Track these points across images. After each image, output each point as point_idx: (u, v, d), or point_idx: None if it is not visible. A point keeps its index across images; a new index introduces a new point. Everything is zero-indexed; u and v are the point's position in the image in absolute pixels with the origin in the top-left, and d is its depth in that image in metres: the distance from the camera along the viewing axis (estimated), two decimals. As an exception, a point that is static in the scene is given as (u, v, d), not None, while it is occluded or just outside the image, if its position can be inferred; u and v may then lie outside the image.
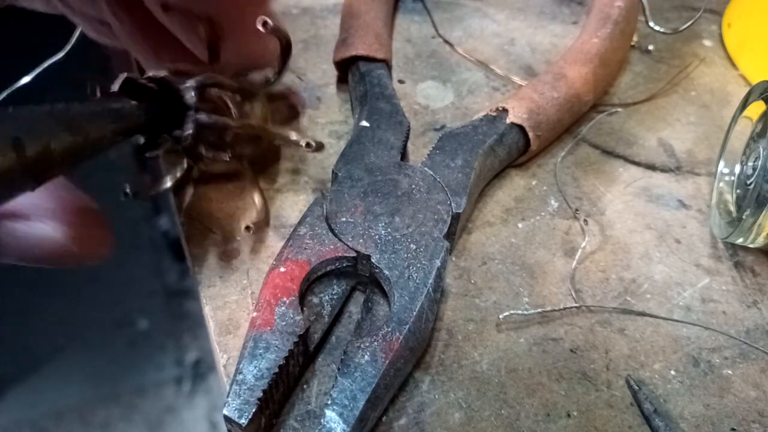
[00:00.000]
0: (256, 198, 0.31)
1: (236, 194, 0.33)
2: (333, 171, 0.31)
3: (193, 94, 0.27)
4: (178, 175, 0.30)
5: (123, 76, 0.25)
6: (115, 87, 0.25)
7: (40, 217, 0.23)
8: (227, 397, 0.23)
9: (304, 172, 0.35)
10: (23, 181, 0.20)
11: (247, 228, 0.29)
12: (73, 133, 0.21)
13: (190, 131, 0.27)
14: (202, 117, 0.27)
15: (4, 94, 0.35)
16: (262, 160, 0.34)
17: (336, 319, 0.28)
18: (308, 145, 0.31)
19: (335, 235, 0.28)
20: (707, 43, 0.47)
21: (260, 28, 0.27)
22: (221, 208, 0.33)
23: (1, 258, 0.23)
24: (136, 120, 0.25)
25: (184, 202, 0.33)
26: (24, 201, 0.22)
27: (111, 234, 0.26)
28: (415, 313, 0.26)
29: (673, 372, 0.29)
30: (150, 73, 0.27)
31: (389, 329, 0.25)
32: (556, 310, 0.30)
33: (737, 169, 0.35)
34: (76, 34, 0.29)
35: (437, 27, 0.45)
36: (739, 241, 0.32)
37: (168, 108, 0.27)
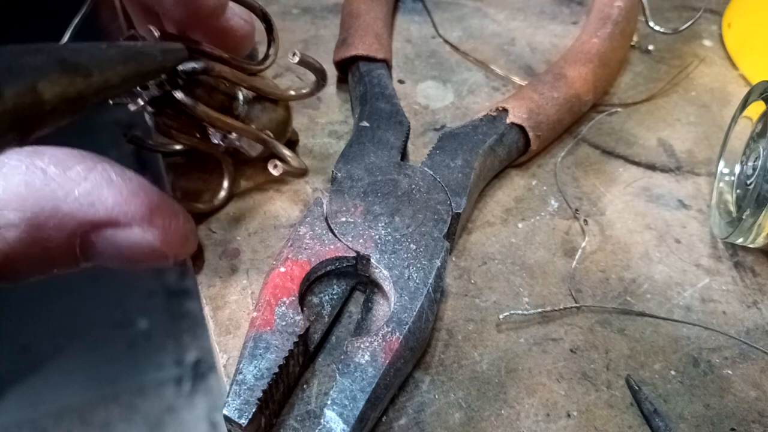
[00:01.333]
0: (224, 186, 0.32)
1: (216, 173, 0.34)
2: (333, 171, 0.31)
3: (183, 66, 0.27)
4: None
5: (127, 34, 0.25)
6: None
7: (132, 224, 0.24)
8: (227, 397, 0.23)
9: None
10: (2, 135, 0.16)
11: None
12: (69, 74, 0.18)
13: (154, 93, 0.27)
14: (176, 92, 0.27)
15: None
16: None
17: (336, 319, 0.28)
18: (297, 167, 0.32)
19: (335, 235, 0.28)
20: (707, 43, 0.47)
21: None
22: (199, 181, 0.34)
23: (101, 263, 0.25)
24: (152, 62, 0.23)
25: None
26: (116, 209, 0.23)
27: (193, 229, 0.27)
28: (415, 313, 0.26)
29: (673, 372, 0.29)
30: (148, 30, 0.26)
31: (389, 329, 0.25)
32: (556, 310, 0.30)
33: (737, 169, 0.35)
34: (68, 33, 0.29)
35: (437, 27, 0.45)
36: (739, 241, 0.32)
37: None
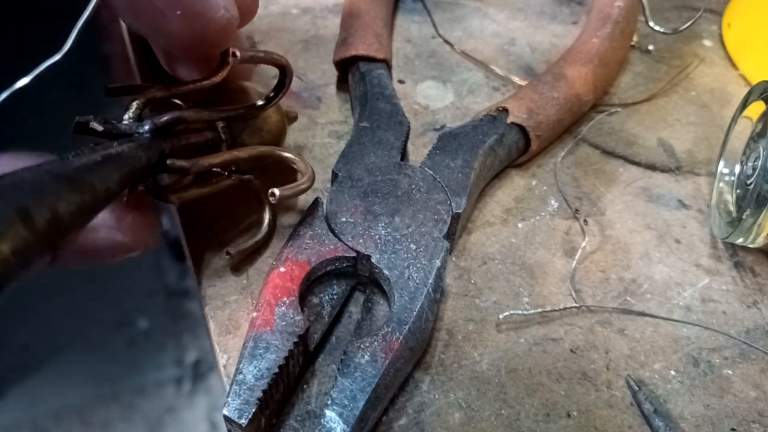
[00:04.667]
0: (265, 216, 0.31)
1: (240, 198, 0.32)
2: (333, 171, 0.31)
3: (148, 134, 0.25)
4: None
5: (75, 120, 0.24)
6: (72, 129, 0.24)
7: (96, 225, 0.24)
8: (227, 397, 0.23)
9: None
10: (38, 254, 0.17)
11: (228, 254, 0.29)
12: (79, 191, 0.19)
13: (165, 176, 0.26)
14: (170, 162, 0.26)
15: (3, 96, 0.35)
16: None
17: (336, 319, 0.28)
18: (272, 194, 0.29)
19: (335, 235, 0.28)
20: (707, 43, 0.47)
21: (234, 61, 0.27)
22: (222, 207, 0.32)
23: (68, 265, 0.24)
24: (138, 162, 0.23)
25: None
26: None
27: (157, 216, 0.27)
28: (415, 313, 0.26)
29: (673, 372, 0.29)
30: (78, 119, 0.25)
31: (389, 329, 0.25)
32: (556, 310, 0.30)
33: (737, 169, 0.35)
34: (74, 34, 0.29)
35: (437, 27, 0.45)
36: (739, 241, 0.32)
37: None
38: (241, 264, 0.30)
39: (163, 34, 0.26)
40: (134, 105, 0.26)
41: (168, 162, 0.25)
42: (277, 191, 0.27)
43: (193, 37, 0.26)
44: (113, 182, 0.21)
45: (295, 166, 0.30)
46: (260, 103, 0.30)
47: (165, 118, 0.26)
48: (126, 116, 0.26)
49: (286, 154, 0.31)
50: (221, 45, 0.27)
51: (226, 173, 0.30)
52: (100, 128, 0.24)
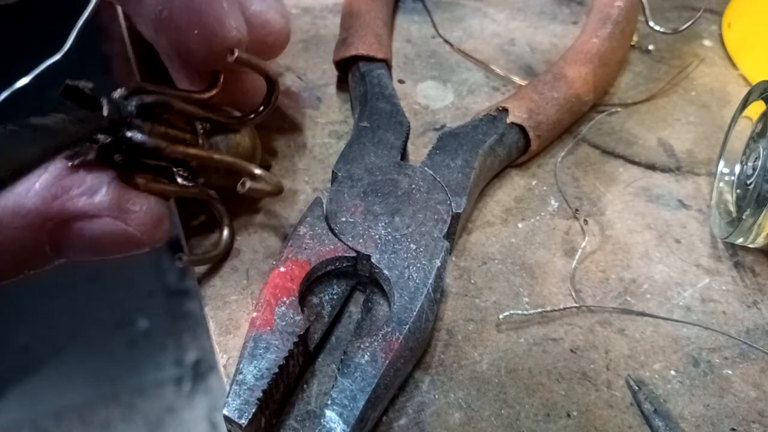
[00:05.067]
0: (224, 230, 0.30)
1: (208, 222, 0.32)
2: (333, 171, 0.31)
3: (108, 106, 0.25)
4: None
5: (66, 83, 0.24)
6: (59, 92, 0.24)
7: (102, 214, 0.23)
8: (227, 397, 0.23)
9: (304, 172, 0.35)
10: None
11: (179, 258, 0.28)
12: None
13: (103, 140, 0.24)
14: (135, 134, 0.25)
15: (3, 96, 0.35)
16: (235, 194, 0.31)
17: (336, 319, 0.28)
18: (268, 188, 0.30)
19: (335, 235, 0.28)
20: (707, 43, 0.47)
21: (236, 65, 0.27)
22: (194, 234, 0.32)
23: (75, 257, 0.24)
24: (68, 135, 0.23)
25: None
26: (83, 200, 0.22)
27: (166, 212, 0.27)
28: (415, 313, 0.26)
29: (673, 372, 0.29)
30: (69, 81, 0.24)
31: (389, 329, 0.25)
32: (556, 310, 0.30)
33: (737, 169, 0.35)
34: (74, 34, 0.29)
35: (437, 27, 0.45)
36: (739, 241, 0.32)
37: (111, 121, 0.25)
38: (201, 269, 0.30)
39: (181, 49, 0.28)
40: (128, 86, 0.27)
41: (146, 134, 0.25)
42: (248, 181, 0.28)
43: (207, 52, 0.28)
44: (35, 153, 0.21)
45: (261, 182, 0.30)
46: (250, 115, 0.31)
47: (153, 98, 0.26)
48: (117, 92, 0.26)
49: (257, 170, 0.30)
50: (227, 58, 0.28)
51: (193, 182, 0.29)
52: (90, 86, 0.24)
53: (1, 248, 0.22)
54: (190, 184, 0.28)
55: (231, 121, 0.31)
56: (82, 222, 0.23)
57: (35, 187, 0.22)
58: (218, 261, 0.31)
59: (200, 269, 0.30)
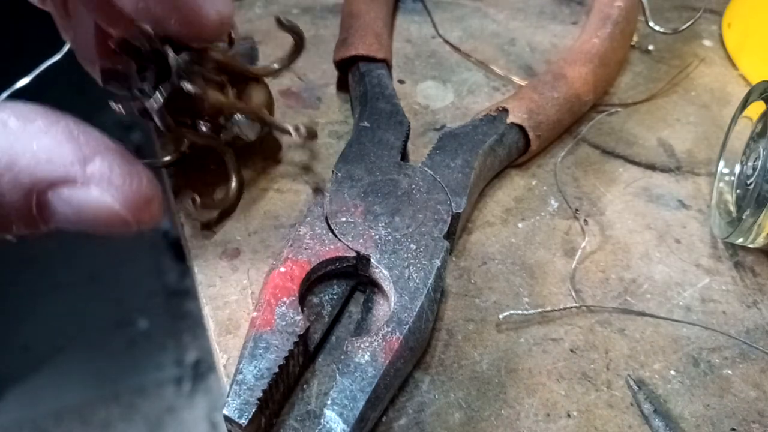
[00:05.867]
0: (233, 181, 0.32)
1: (219, 174, 0.34)
2: (333, 171, 0.31)
3: (177, 58, 0.27)
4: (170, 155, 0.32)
5: (120, 37, 0.25)
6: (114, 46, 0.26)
7: (90, 182, 0.23)
8: (227, 397, 0.23)
9: (304, 172, 0.35)
10: None
11: (192, 201, 0.30)
12: None
13: (161, 93, 0.27)
14: (188, 85, 0.28)
15: (4, 96, 0.35)
16: (261, 150, 0.35)
17: (336, 319, 0.28)
18: (297, 129, 0.31)
19: (335, 235, 0.28)
20: (707, 43, 0.47)
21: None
22: (202, 184, 0.33)
23: (60, 225, 0.24)
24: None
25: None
26: (75, 166, 0.22)
27: (158, 193, 0.26)
28: (415, 313, 0.26)
29: (673, 372, 0.29)
30: (141, 29, 0.26)
31: (389, 329, 0.25)
32: (556, 310, 0.30)
33: (737, 169, 0.35)
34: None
35: (437, 27, 0.45)
36: (739, 241, 0.32)
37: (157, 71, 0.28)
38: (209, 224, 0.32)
39: (166, 33, 0.28)
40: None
41: (196, 85, 0.28)
42: (302, 126, 0.31)
43: (189, 39, 0.28)
44: None
45: (284, 126, 0.32)
46: (276, 66, 0.32)
47: (193, 53, 0.28)
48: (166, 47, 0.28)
49: (285, 124, 0.32)
50: (215, 41, 0.29)
51: (215, 134, 0.31)
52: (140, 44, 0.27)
53: None
54: (213, 135, 0.30)
55: (259, 70, 0.32)
56: (70, 189, 0.23)
57: (33, 147, 0.22)
58: (227, 211, 0.32)
59: (200, 270, 0.30)
